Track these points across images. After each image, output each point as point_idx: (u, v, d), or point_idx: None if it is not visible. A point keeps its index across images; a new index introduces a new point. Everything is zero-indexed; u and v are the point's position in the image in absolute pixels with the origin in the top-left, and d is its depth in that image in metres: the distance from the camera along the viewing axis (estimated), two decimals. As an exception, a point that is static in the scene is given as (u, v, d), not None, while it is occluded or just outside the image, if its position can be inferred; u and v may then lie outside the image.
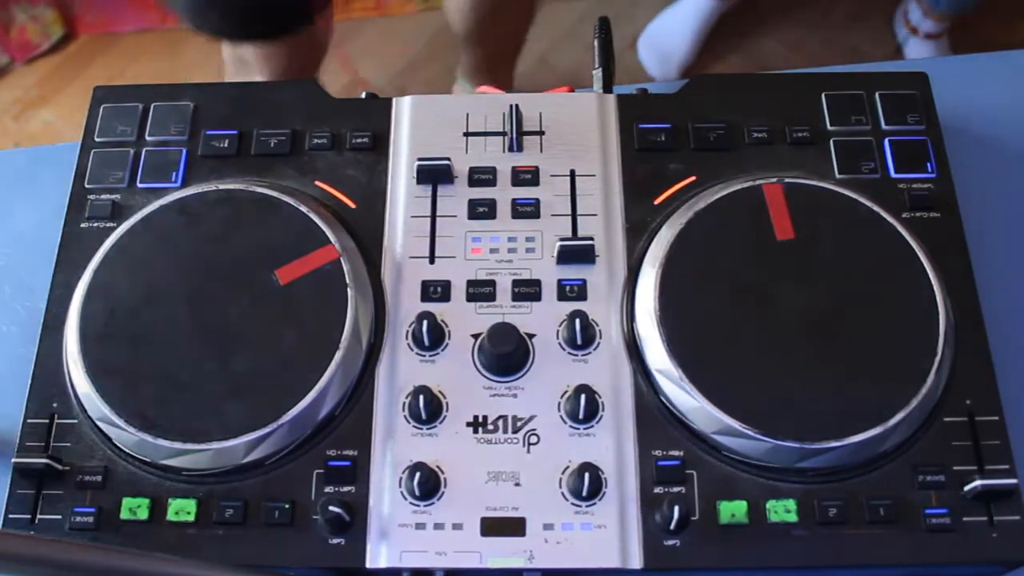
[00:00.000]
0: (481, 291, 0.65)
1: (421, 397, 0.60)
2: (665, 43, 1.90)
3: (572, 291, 0.65)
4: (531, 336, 0.63)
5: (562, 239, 0.65)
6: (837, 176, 0.69)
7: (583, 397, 0.60)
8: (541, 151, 0.70)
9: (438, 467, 0.60)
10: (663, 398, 0.61)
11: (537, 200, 0.68)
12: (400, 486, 0.59)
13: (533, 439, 0.61)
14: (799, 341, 0.61)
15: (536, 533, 0.58)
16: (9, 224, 0.76)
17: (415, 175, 0.69)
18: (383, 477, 0.60)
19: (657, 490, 0.59)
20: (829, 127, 0.71)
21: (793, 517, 0.58)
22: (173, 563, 0.51)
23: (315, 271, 0.63)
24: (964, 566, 0.59)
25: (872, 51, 1.90)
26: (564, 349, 0.63)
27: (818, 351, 0.61)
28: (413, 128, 0.71)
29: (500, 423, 0.61)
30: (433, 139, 0.70)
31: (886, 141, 0.70)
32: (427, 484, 0.59)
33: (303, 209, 0.66)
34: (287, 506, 0.59)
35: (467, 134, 0.71)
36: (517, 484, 0.59)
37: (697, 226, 0.65)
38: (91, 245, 0.66)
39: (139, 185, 0.70)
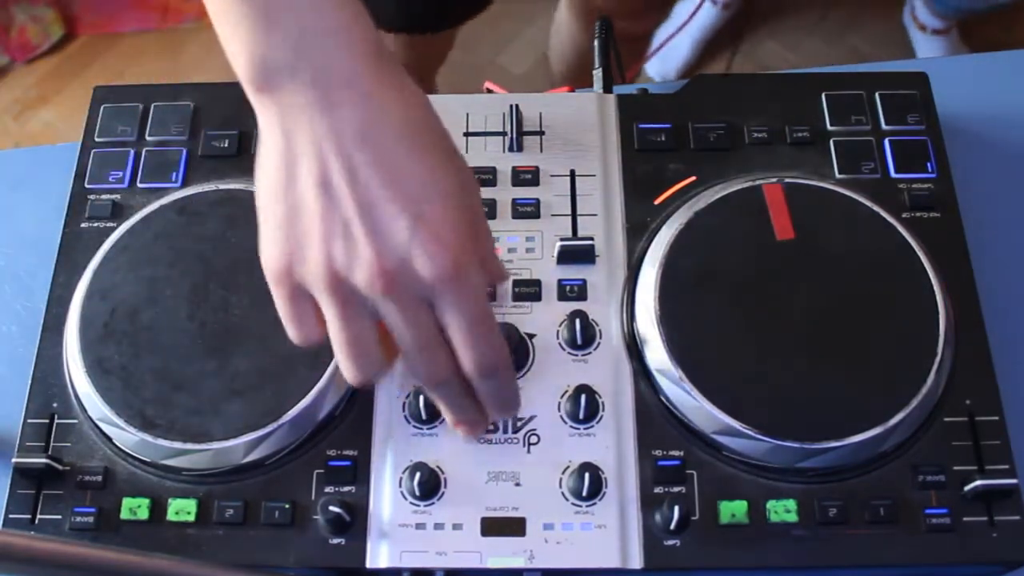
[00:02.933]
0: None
1: (421, 397, 0.60)
2: (667, 46, 1.89)
3: (572, 291, 0.65)
4: (531, 336, 0.63)
5: (562, 239, 0.65)
6: (837, 176, 0.69)
7: (583, 397, 0.60)
8: (541, 151, 0.70)
9: (438, 467, 0.60)
10: (663, 398, 0.61)
11: (537, 200, 0.68)
12: (400, 486, 0.59)
13: (533, 439, 0.61)
14: (799, 341, 0.61)
15: (536, 533, 0.58)
16: (9, 224, 0.76)
17: (415, 175, 0.69)
18: (383, 477, 0.60)
19: (657, 490, 0.59)
20: (829, 127, 0.71)
21: (793, 517, 0.58)
22: (173, 563, 0.51)
23: (315, 271, 0.63)
24: (964, 566, 0.59)
25: (872, 51, 1.90)
26: (564, 349, 0.63)
27: (818, 351, 0.61)
28: (413, 128, 0.71)
29: (500, 423, 0.61)
30: (433, 139, 0.70)
31: (886, 141, 0.70)
32: (427, 484, 0.59)
33: (303, 209, 0.65)
34: (287, 506, 0.59)
35: (467, 134, 0.71)
36: (517, 484, 0.59)
37: (697, 226, 0.65)
38: (91, 245, 0.66)
39: (139, 185, 0.70)
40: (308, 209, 0.48)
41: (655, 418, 0.61)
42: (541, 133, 0.70)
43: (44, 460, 0.60)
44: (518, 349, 0.62)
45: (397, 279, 0.48)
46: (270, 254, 0.50)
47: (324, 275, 0.49)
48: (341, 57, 0.48)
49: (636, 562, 0.58)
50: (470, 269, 0.49)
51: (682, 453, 0.60)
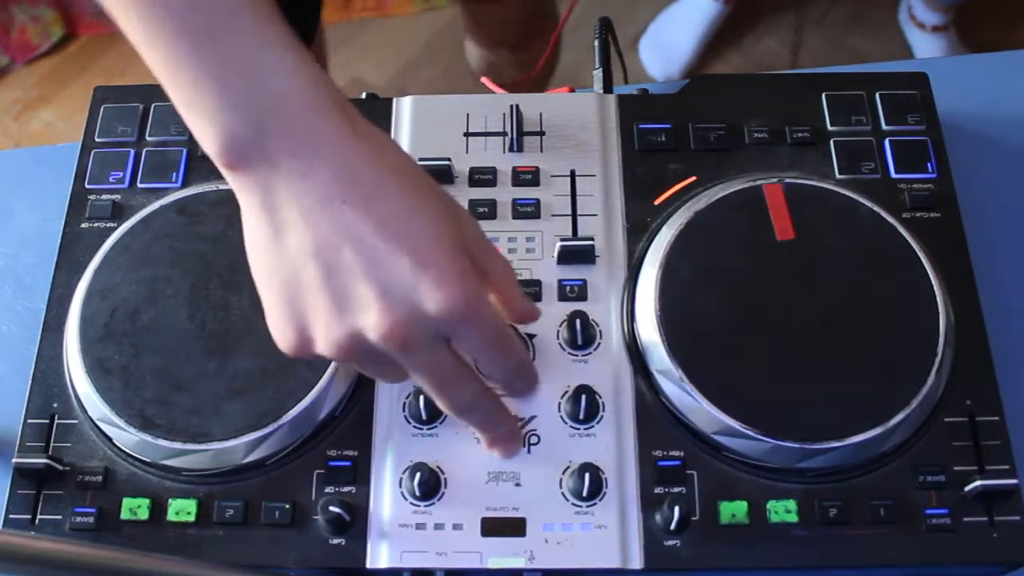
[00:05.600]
0: (481, 291, 0.65)
1: (421, 397, 0.60)
2: (668, 44, 1.90)
3: (572, 291, 0.65)
4: (531, 336, 0.63)
5: (562, 239, 0.65)
6: (837, 176, 0.69)
7: (583, 397, 0.60)
8: (541, 151, 0.70)
9: (438, 467, 0.60)
10: (663, 398, 0.61)
11: (537, 200, 0.68)
12: (400, 486, 0.59)
13: (533, 439, 0.61)
14: (799, 341, 0.61)
15: (536, 533, 0.58)
16: (9, 224, 0.76)
17: (415, 175, 0.69)
18: (383, 477, 0.60)
19: (657, 490, 0.59)
20: (829, 127, 0.71)
21: (793, 517, 0.58)
22: (173, 563, 0.51)
23: (315, 271, 0.63)
24: (964, 566, 0.59)
25: (872, 51, 1.90)
26: (564, 349, 0.63)
27: (818, 351, 0.61)
28: (413, 128, 0.71)
29: (500, 423, 0.61)
30: (433, 139, 0.70)
31: (886, 141, 0.70)
32: (427, 484, 0.59)
33: (303, 209, 0.65)
34: (287, 506, 0.59)
35: (467, 134, 0.71)
36: (517, 484, 0.59)
37: (697, 226, 0.65)
38: (91, 245, 0.66)
39: (139, 185, 0.70)
40: (305, 284, 0.47)
41: (655, 418, 0.61)
42: (541, 133, 0.70)
43: (44, 460, 0.60)
44: (518, 349, 0.62)
45: (410, 329, 0.47)
46: (280, 337, 0.49)
47: (337, 350, 0.48)
48: (308, 120, 0.47)
49: (636, 562, 0.58)
50: (478, 295, 0.49)
51: (682, 453, 0.60)
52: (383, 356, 0.49)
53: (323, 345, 0.48)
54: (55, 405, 0.63)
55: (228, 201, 0.66)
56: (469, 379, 0.53)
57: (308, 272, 0.47)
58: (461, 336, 0.50)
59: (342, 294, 0.47)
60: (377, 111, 0.72)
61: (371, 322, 0.47)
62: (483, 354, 0.52)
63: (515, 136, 0.70)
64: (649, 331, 0.62)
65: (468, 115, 0.71)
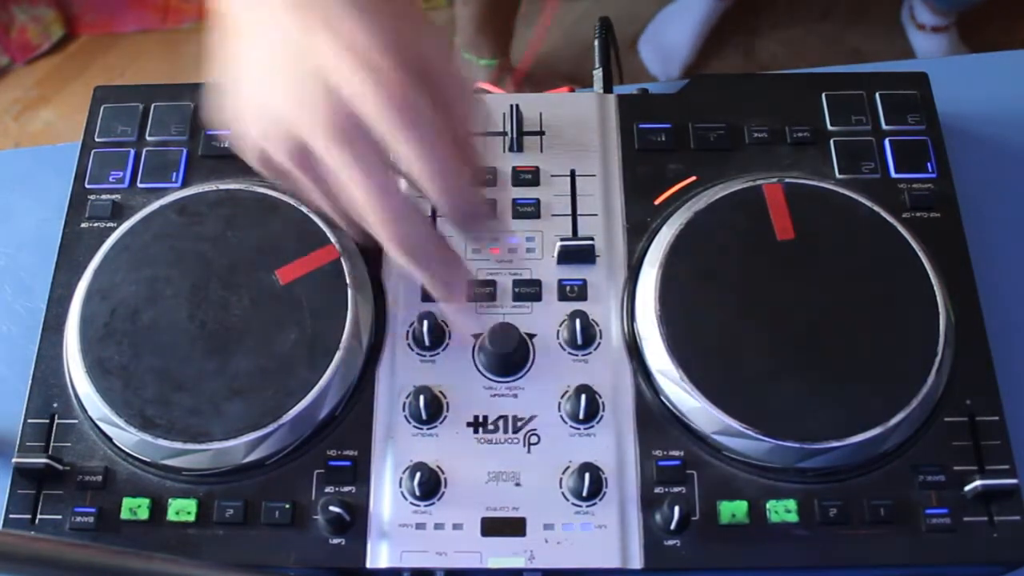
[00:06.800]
0: (481, 291, 0.65)
1: (421, 397, 0.60)
2: (667, 43, 1.90)
3: (572, 291, 0.65)
4: (531, 336, 0.63)
5: (562, 239, 0.65)
6: (837, 176, 0.69)
7: (583, 397, 0.60)
8: (541, 151, 0.70)
9: (438, 467, 0.60)
10: (663, 398, 0.61)
11: (537, 200, 0.68)
12: (400, 486, 0.59)
13: (533, 439, 0.61)
14: (799, 341, 0.61)
15: (536, 533, 0.58)
16: (9, 224, 0.76)
17: (415, 175, 0.69)
18: (383, 477, 0.60)
19: (657, 490, 0.59)
20: (829, 127, 0.71)
21: (793, 517, 0.58)
22: (173, 563, 0.51)
23: (315, 271, 0.63)
24: (964, 566, 0.59)
25: (872, 51, 1.90)
26: (564, 349, 0.63)
27: (818, 351, 0.61)
28: (413, 128, 0.71)
29: (500, 423, 0.61)
30: (433, 139, 0.70)
31: (886, 141, 0.70)
32: (427, 484, 0.59)
33: (303, 209, 0.66)
34: (287, 506, 0.59)
35: (467, 134, 0.70)
36: (517, 484, 0.59)
37: (697, 226, 0.65)
38: (91, 245, 0.66)
39: (139, 185, 0.70)
40: (275, 81, 0.52)
41: (655, 418, 0.61)
42: (541, 133, 0.70)
43: (44, 460, 0.60)
44: (519, 349, 0.62)
45: (342, 121, 0.50)
46: (241, 126, 0.55)
47: (287, 150, 0.53)
48: None
49: (636, 562, 0.58)
50: (415, 96, 0.50)
51: (682, 453, 0.60)
52: (310, 151, 0.52)
53: (272, 146, 0.53)
54: (55, 405, 0.63)
55: (228, 201, 0.66)
56: (406, 198, 0.52)
57: (279, 64, 0.52)
58: (397, 137, 0.50)
59: (295, 90, 0.51)
60: (377, 111, 0.72)
61: (310, 117, 0.50)
62: (418, 156, 0.50)
63: (515, 136, 0.70)
64: (649, 331, 0.62)
65: (468, 115, 0.71)
